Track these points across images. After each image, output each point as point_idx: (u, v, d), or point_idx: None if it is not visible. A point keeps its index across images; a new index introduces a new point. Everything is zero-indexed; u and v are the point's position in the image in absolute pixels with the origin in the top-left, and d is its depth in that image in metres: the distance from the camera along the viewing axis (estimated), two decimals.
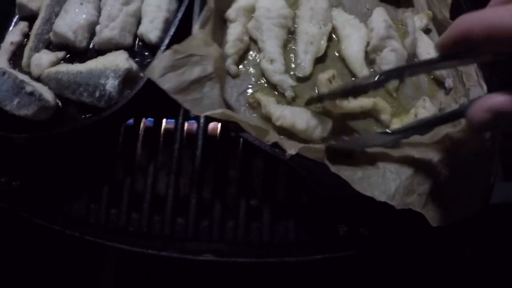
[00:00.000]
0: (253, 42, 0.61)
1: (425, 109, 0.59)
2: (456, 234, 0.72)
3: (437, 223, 0.49)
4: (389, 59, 0.60)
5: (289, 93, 0.56)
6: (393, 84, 0.60)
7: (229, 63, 0.57)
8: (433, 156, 0.51)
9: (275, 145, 0.49)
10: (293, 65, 0.59)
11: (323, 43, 0.59)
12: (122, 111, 0.54)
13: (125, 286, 0.64)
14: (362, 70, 0.59)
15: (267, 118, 0.54)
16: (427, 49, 0.65)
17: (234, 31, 0.58)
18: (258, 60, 0.59)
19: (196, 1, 0.57)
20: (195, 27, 0.53)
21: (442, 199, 0.50)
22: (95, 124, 0.54)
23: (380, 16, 0.62)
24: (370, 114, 0.58)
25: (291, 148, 0.48)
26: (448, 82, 0.64)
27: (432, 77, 0.64)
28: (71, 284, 0.64)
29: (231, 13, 0.60)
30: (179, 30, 0.57)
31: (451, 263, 0.76)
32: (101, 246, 0.56)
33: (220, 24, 0.60)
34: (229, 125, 0.49)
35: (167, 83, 0.47)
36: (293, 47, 0.60)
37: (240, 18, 0.59)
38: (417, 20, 0.67)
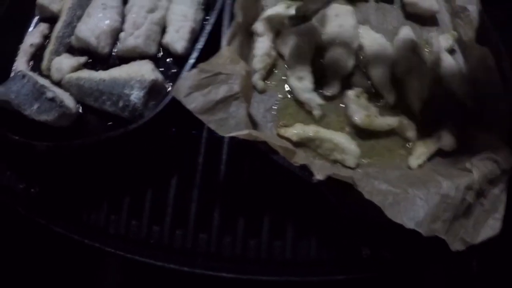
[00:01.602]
0: (279, 57, 0.60)
1: (448, 132, 0.60)
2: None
3: (457, 248, 0.49)
4: (414, 81, 0.60)
5: (317, 112, 0.56)
6: (417, 105, 0.60)
7: (256, 79, 0.57)
8: (460, 183, 0.51)
9: (303, 167, 0.49)
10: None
11: (352, 61, 0.59)
12: (149, 124, 0.53)
13: None
14: (389, 92, 0.59)
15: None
16: (451, 70, 0.65)
17: (262, 46, 0.57)
18: (283, 78, 0.58)
19: (225, 14, 0.56)
20: (224, 42, 0.53)
21: (463, 225, 0.50)
22: (120, 136, 0.53)
23: (407, 36, 0.62)
24: (395, 133, 0.59)
25: (320, 171, 0.48)
26: (470, 104, 0.64)
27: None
28: None
29: (258, 26, 0.59)
30: (208, 42, 0.56)
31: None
32: (120, 257, 0.56)
33: (247, 38, 0.59)
34: (257, 144, 0.48)
35: (193, 103, 0.47)
36: (321, 66, 0.59)
37: (267, 32, 0.58)
38: (442, 40, 0.67)
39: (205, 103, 0.46)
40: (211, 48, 0.54)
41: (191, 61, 0.54)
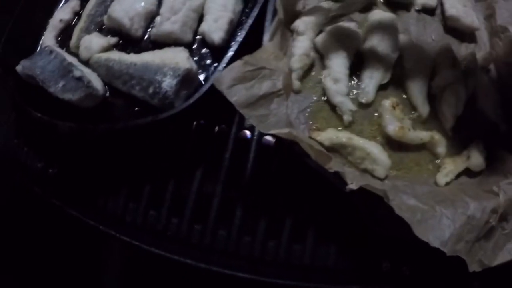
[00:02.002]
0: (319, 56, 0.58)
1: (477, 152, 0.59)
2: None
3: (474, 269, 0.49)
4: (450, 97, 0.59)
5: (347, 117, 0.55)
6: (450, 123, 0.59)
7: (293, 78, 0.55)
8: (486, 205, 0.51)
9: (337, 174, 0.48)
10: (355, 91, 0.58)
11: (390, 71, 0.58)
12: (180, 115, 0.51)
13: None
14: (423, 105, 0.58)
15: None
16: (486, 90, 0.64)
17: (301, 45, 0.56)
18: (321, 77, 0.57)
19: (269, 8, 0.55)
20: (266, 38, 0.51)
21: (482, 247, 0.50)
22: (148, 124, 0.52)
23: (447, 51, 0.60)
24: (424, 147, 0.58)
25: (353, 181, 0.47)
26: (502, 127, 0.63)
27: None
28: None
29: (300, 25, 0.57)
30: (248, 36, 0.55)
31: None
32: (135, 247, 0.55)
33: (285, 35, 0.58)
34: (293, 146, 0.47)
35: (235, 95, 0.46)
36: (357, 72, 0.58)
37: (308, 32, 0.57)
38: (479, 58, 0.66)
39: (248, 97, 0.45)
40: (249, 42, 0.53)
41: (230, 53, 0.53)
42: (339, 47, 0.57)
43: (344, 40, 0.57)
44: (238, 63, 0.46)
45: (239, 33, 0.54)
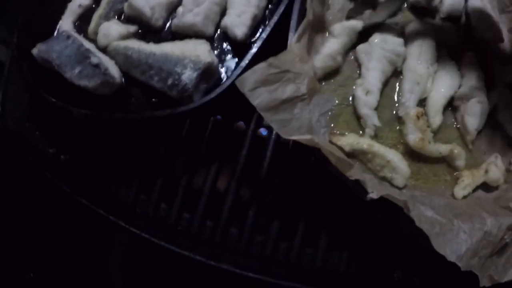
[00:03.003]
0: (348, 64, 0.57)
1: (496, 166, 0.58)
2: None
3: (484, 284, 0.48)
4: (473, 110, 0.58)
5: (369, 131, 0.54)
6: (471, 136, 0.58)
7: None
8: (503, 222, 0.50)
9: (357, 181, 0.47)
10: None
11: (429, 84, 0.57)
12: (199, 109, 0.50)
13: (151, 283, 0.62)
14: (435, 116, 0.57)
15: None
16: (507, 104, 0.63)
17: (330, 46, 0.55)
18: (347, 84, 0.56)
19: (294, 7, 0.53)
20: (292, 39, 0.50)
21: (494, 262, 0.50)
22: (167, 117, 0.51)
23: (473, 64, 0.59)
24: (443, 159, 0.57)
25: (374, 189, 0.46)
26: None
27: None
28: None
29: (336, 28, 0.56)
30: (272, 33, 0.54)
31: None
32: (144, 240, 0.54)
33: (312, 37, 0.56)
34: (314, 151, 0.46)
35: (258, 98, 0.45)
36: (398, 86, 0.57)
37: (341, 37, 0.56)
38: (503, 72, 0.65)
39: (270, 101, 0.44)
40: (273, 40, 0.52)
41: (254, 50, 0.52)
42: (379, 60, 0.56)
43: (386, 53, 0.56)
44: (262, 65, 0.45)
45: (263, 30, 0.53)
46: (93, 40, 0.61)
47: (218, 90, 0.50)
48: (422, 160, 0.57)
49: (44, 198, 0.60)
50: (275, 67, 0.45)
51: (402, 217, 0.46)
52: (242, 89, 0.43)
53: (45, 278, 0.63)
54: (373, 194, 0.45)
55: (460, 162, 0.57)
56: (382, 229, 0.49)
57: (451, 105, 0.60)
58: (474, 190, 0.57)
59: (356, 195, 0.47)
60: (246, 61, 0.51)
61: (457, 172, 0.57)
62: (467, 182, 0.57)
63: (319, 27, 0.56)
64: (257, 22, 0.59)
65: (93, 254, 0.62)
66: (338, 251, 0.54)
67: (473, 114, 0.58)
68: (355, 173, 0.46)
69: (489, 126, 0.60)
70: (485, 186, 0.58)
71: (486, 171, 0.58)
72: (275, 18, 0.53)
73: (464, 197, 0.56)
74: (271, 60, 0.44)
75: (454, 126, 0.59)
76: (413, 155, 0.56)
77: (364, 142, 0.53)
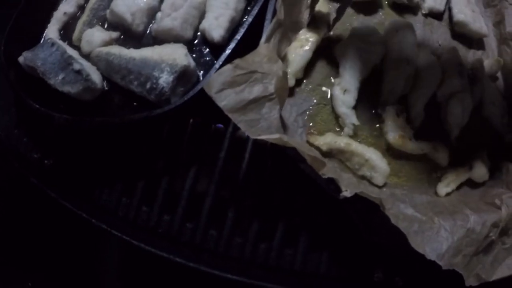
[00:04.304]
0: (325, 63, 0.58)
1: (481, 162, 0.57)
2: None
3: (470, 283, 0.47)
4: (456, 107, 0.57)
5: (347, 130, 0.54)
6: (454, 132, 0.57)
7: (290, 74, 0.53)
8: (487, 219, 0.49)
9: (331, 180, 0.47)
10: None
11: (410, 82, 0.56)
12: (175, 112, 0.51)
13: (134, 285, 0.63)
14: (417, 113, 0.56)
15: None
16: (492, 98, 0.62)
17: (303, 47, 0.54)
18: (325, 83, 0.56)
19: (269, 7, 0.54)
20: (262, 40, 0.50)
21: (480, 261, 0.48)
22: (144, 120, 0.51)
23: (454, 59, 0.59)
24: (426, 157, 0.56)
25: (348, 188, 0.45)
26: (508, 137, 0.61)
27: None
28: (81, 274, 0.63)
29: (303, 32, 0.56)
30: (248, 34, 0.54)
31: None
32: (126, 242, 0.55)
33: (286, 36, 0.56)
34: (286, 150, 0.46)
35: (224, 100, 0.45)
36: (378, 83, 0.57)
37: (313, 37, 0.55)
38: (487, 66, 0.64)
39: (237, 102, 0.44)
40: (250, 41, 0.52)
41: (228, 51, 0.52)
42: (357, 58, 0.55)
43: (365, 53, 0.56)
44: (228, 67, 0.45)
45: (239, 32, 0.53)
46: (77, 47, 0.63)
47: (191, 93, 0.51)
48: (404, 158, 0.56)
49: (32, 204, 0.62)
50: (242, 68, 0.44)
51: (379, 216, 0.45)
52: (209, 91, 0.43)
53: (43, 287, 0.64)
54: (347, 192, 0.45)
55: (443, 159, 0.56)
56: (359, 229, 0.48)
57: (434, 102, 0.59)
58: (459, 187, 0.56)
59: (330, 194, 0.46)
60: (219, 63, 0.51)
61: (441, 170, 0.57)
62: (450, 179, 0.56)
63: (291, 27, 0.56)
64: (236, 24, 0.59)
65: (80, 256, 0.63)
66: (318, 253, 0.53)
67: (455, 111, 0.57)
68: (328, 171, 0.46)
69: (474, 121, 0.59)
70: (471, 183, 0.57)
71: (471, 168, 0.57)
72: (249, 19, 0.54)
73: (448, 194, 0.55)
74: (237, 61, 0.44)
75: (438, 123, 0.59)
76: (394, 153, 0.55)
77: (342, 141, 0.52)
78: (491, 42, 0.67)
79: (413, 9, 0.65)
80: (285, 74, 0.49)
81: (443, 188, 0.54)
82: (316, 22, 0.56)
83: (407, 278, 0.52)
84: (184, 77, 0.56)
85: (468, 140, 0.58)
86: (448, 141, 0.57)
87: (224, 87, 0.45)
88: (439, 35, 0.65)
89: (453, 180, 0.55)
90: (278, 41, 0.52)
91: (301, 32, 0.55)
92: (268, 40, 0.50)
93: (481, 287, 0.47)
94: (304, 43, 0.53)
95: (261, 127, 0.45)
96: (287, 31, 0.54)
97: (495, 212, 0.50)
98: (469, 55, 0.65)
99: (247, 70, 0.46)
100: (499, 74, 0.66)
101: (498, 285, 0.48)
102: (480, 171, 0.56)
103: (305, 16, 0.57)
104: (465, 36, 0.65)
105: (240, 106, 0.45)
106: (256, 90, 0.45)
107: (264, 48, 0.48)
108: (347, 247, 0.53)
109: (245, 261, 0.53)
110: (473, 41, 0.66)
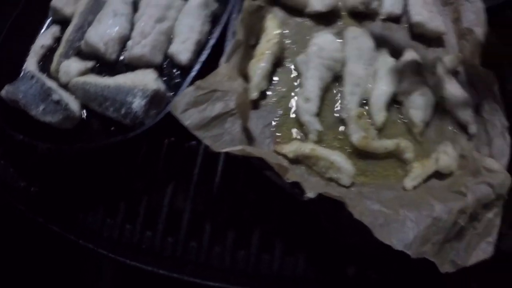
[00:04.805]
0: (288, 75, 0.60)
1: (446, 154, 0.59)
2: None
3: (446, 270, 0.48)
4: (417, 103, 0.59)
5: (312, 137, 0.56)
6: (418, 128, 0.60)
7: (253, 87, 0.56)
8: (453, 207, 0.51)
9: (295, 184, 0.49)
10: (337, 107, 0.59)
11: (371, 84, 0.59)
12: (148, 133, 0.54)
13: None
14: (379, 113, 0.59)
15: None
16: (454, 92, 0.64)
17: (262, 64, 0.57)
18: (290, 94, 0.59)
19: (229, 28, 0.57)
20: (222, 60, 0.53)
21: (454, 247, 0.50)
22: (120, 143, 0.54)
23: (411, 57, 0.61)
24: (392, 154, 0.58)
25: (311, 189, 0.48)
26: (472, 129, 0.63)
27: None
28: None
29: (262, 46, 0.58)
30: (212, 55, 0.57)
31: None
32: (112, 260, 0.57)
33: (248, 53, 0.59)
34: (251, 160, 0.49)
35: (189, 119, 0.48)
36: (339, 89, 0.60)
37: (270, 52, 0.57)
38: (447, 61, 0.66)
39: (201, 120, 0.47)
40: (216, 61, 0.55)
41: (193, 73, 0.55)
42: (317, 68, 0.58)
43: (324, 61, 0.58)
44: (190, 88, 0.49)
45: (203, 54, 0.57)
46: (56, 78, 0.66)
47: (161, 115, 0.54)
48: (370, 157, 0.58)
49: (21, 230, 0.64)
50: (203, 89, 0.48)
51: (347, 216, 0.47)
52: (175, 112, 0.47)
53: None
54: (310, 194, 0.47)
55: (409, 155, 0.58)
56: (327, 229, 0.50)
57: (396, 101, 0.62)
58: (427, 180, 0.58)
59: (294, 198, 0.49)
60: (186, 84, 0.55)
61: (407, 165, 0.59)
62: (417, 172, 0.58)
63: (252, 45, 0.59)
64: (202, 46, 0.62)
65: (75, 279, 0.66)
66: (294, 256, 0.56)
67: (417, 107, 0.60)
68: (292, 176, 0.49)
69: (438, 115, 0.62)
70: (439, 175, 0.58)
71: (437, 160, 0.59)
72: (212, 41, 0.57)
73: (415, 187, 0.57)
74: (198, 82, 0.48)
75: (401, 121, 0.61)
76: (360, 153, 0.58)
77: (306, 147, 0.55)
78: (451, 39, 0.70)
79: (372, 16, 0.68)
80: (245, 90, 0.52)
81: (410, 182, 0.56)
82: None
83: (380, 271, 0.54)
84: (155, 100, 0.59)
85: (433, 133, 0.60)
86: (412, 137, 0.59)
87: (188, 107, 0.48)
88: (399, 38, 0.67)
89: (419, 173, 0.57)
90: (240, 59, 0.55)
91: (257, 47, 0.58)
92: (228, 59, 0.53)
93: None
94: (260, 58, 0.56)
95: (225, 141, 0.48)
96: (248, 49, 0.57)
97: (461, 200, 0.51)
98: (429, 53, 0.67)
99: (208, 90, 0.49)
100: (460, 69, 0.69)
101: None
102: (445, 162, 0.57)
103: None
104: (424, 36, 0.68)
105: (204, 123, 0.48)
106: (218, 107, 0.49)
107: (224, 67, 0.51)
108: (321, 248, 0.55)
109: (225, 268, 0.56)
110: (432, 39, 0.68)
